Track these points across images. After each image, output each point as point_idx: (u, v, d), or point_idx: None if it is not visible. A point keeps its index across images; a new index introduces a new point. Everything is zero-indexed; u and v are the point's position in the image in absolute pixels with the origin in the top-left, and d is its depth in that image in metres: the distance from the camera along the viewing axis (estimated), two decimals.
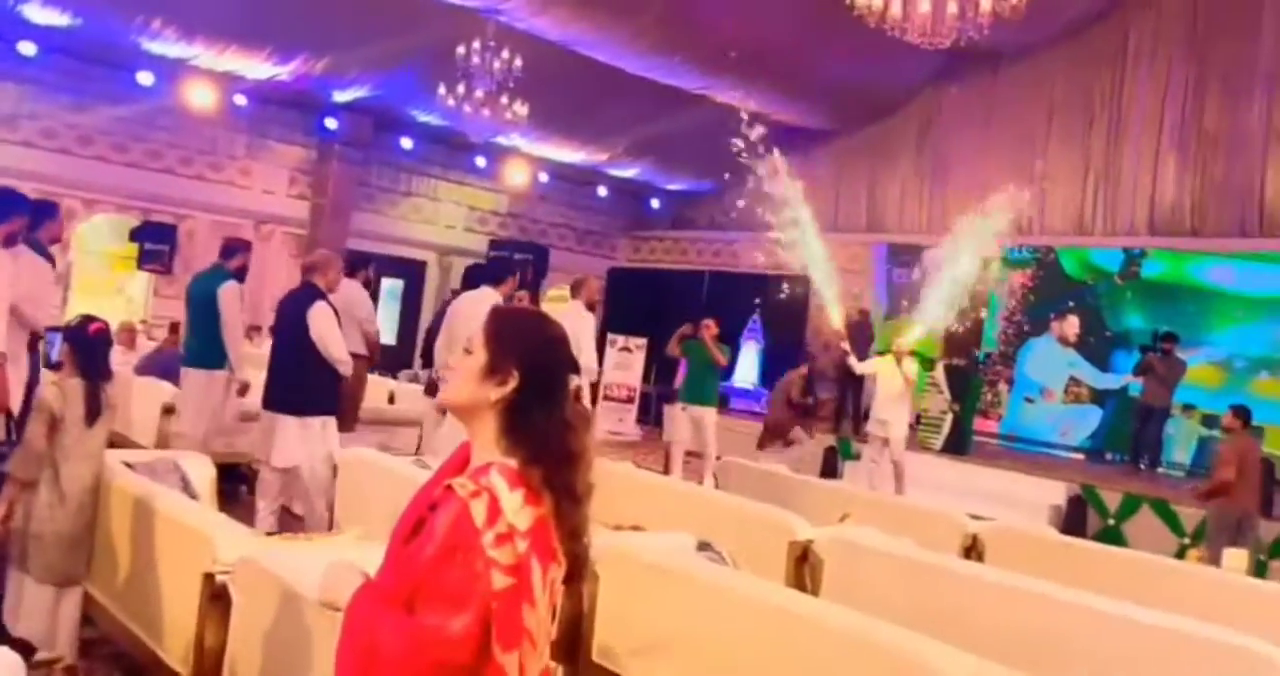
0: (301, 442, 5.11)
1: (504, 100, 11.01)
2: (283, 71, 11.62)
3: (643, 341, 13.58)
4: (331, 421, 5.26)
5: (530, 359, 1.53)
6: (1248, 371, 11.28)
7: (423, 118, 13.12)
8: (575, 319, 6.33)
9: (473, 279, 6.39)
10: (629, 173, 15.83)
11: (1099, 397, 12.43)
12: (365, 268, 7.37)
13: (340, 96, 12.58)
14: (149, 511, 3.42)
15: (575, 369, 1.60)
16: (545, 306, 12.52)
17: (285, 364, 5.17)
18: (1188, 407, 11.27)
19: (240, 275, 6.01)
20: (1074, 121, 12.73)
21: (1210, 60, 11.68)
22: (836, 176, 14.94)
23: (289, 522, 5.36)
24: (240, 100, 12.35)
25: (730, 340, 11.12)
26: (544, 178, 15.50)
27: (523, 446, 1.49)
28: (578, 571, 1.53)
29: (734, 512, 4.39)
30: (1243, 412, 7.76)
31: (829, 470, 10.37)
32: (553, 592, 1.48)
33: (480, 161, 14.76)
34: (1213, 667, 2.82)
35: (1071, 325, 10.91)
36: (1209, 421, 11.07)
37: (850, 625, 2.69)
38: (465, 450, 1.59)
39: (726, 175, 15.83)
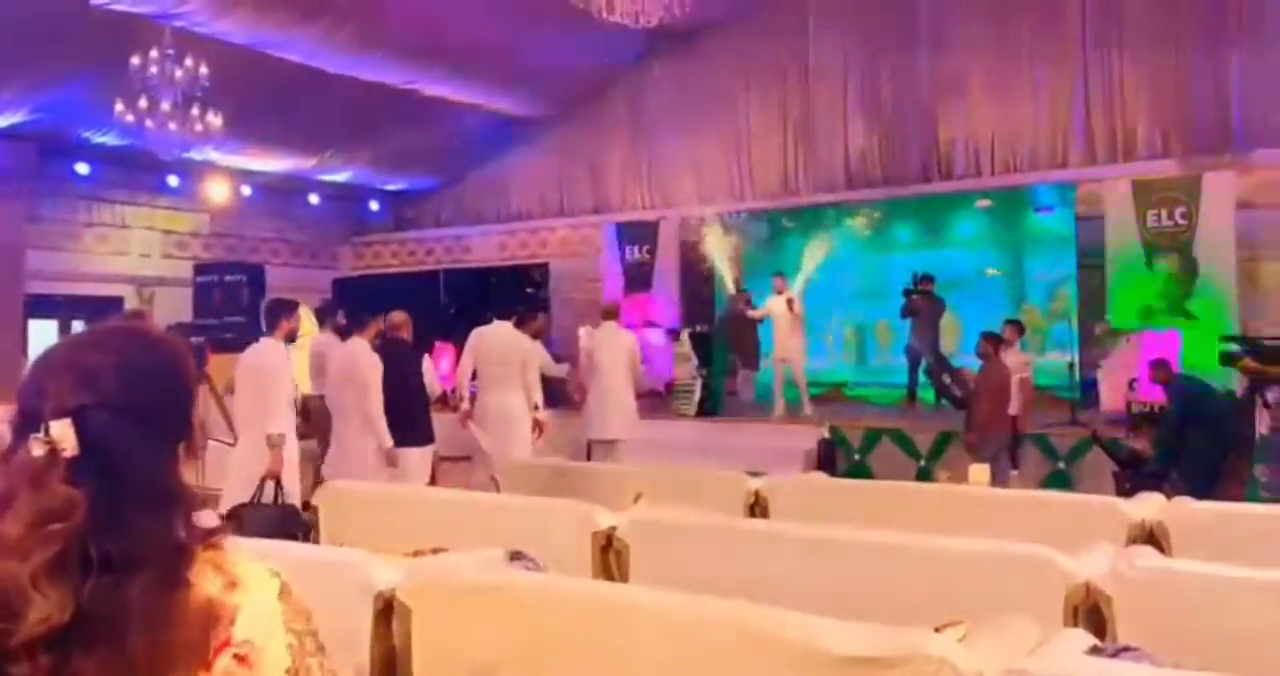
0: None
1: (194, 112, 10.10)
2: None
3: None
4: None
5: None
6: None
7: (99, 139, 11.81)
8: (617, 338, 7.76)
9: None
10: (342, 177, 15.11)
11: None
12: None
13: None
14: None
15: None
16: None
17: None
18: None
19: None
20: (770, 90, 13.49)
21: (881, 26, 12.70)
22: (559, 162, 15.03)
23: None
24: None
25: None
26: (248, 191, 14.45)
27: None
28: None
29: (532, 513, 4.28)
30: (994, 339, 8.14)
31: None
32: None
33: (173, 180, 13.52)
34: (1004, 578, 3.07)
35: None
36: None
37: (673, 605, 2.69)
38: None
39: (447, 169, 15.63)
